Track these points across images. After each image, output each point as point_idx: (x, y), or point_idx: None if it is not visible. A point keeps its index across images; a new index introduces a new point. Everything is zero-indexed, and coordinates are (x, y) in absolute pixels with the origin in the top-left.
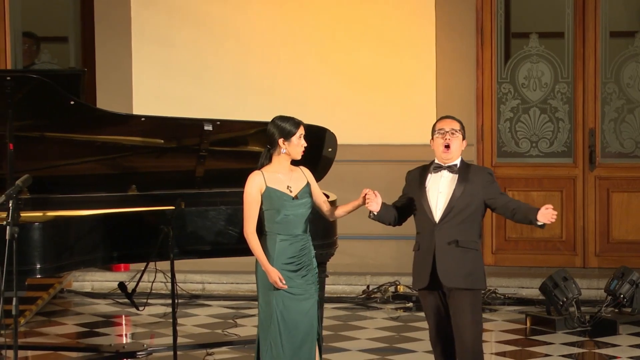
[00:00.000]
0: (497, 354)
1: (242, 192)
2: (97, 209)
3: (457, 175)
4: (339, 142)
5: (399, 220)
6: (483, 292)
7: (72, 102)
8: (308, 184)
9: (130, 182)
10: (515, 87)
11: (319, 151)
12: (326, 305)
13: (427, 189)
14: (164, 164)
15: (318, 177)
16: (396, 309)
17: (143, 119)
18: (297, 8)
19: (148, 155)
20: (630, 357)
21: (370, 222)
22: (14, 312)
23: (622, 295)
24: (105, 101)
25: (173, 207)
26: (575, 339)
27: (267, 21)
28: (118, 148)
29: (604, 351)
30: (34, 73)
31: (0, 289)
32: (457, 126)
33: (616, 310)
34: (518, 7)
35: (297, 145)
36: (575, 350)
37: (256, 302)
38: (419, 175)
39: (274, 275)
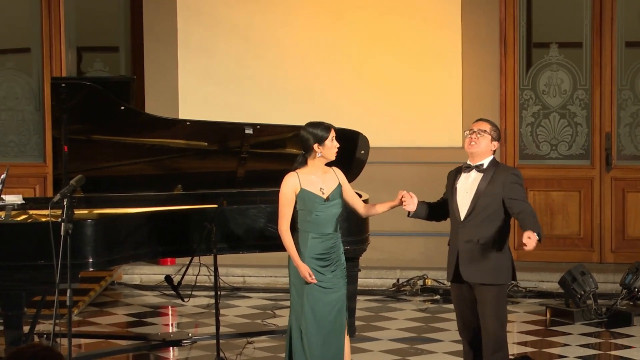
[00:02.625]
0: (519, 343)
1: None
2: (145, 207)
3: (482, 175)
4: (371, 145)
5: (436, 217)
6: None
7: (122, 108)
8: (339, 185)
9: (176, 182)
10: (536, 93)
11: (353, 153)
12: (359, 298)
13: (457, 188)
14: (208, 165)
15: (351, 177)
16: (424, 301)
17: (188, 123)
18: (333, 21)
19: (193, 157)
20: None
21: (400, 220)
22: (68, 303)
23: (636, 289)
24: (153, 106)
25: (216, 206)
26: (592, 329)
27: (305, 33)
28: (165, 150)
29: (619, 341)
30: (87, 80)
31: (55, 281)
32: (485, 127)
33: (631, 302)
34: (539, 18)
35: (331, 147)
36: (592, 340)
37: None
38: (454, 175)
39: (305, 270)
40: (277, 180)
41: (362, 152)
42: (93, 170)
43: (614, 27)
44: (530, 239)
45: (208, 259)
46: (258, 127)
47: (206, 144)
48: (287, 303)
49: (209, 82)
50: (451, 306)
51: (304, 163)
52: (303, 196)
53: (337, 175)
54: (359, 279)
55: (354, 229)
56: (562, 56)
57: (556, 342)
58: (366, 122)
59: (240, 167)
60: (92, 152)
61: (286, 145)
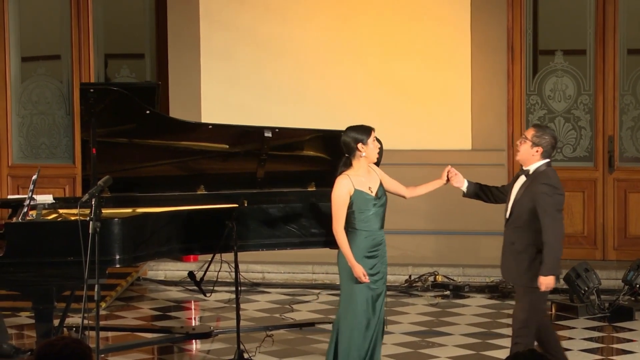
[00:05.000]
0: None
1: (299, 192)
2: (170, 207)
3: (525, 180)
4: (384, 147)
5: (493, 199)
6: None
7: (147, 112)
8: (381, 182)
9: (199, 182)
10: (542, 98)
11: None
12: None
13: (511, 191)
14: (229, 167)
15: None
16: (435, 296)
17: (210, 126)
18: (347, 28)
19: (215, 159)
20: None
21: (413, 219)
22: (96, 298)
23: (637, 285)
24: (177, 110)
25: (237, 205)
26: (595, 324)
27: (320, 39)
28: (188, 152)
29: (621, 335)
30: (114, 86)
31: (84, 276)
32: (528, 134)
33: (632, 298)
34: (545, 26)
35: (373, 147)
36: (596, 334)
37: (311, 290)
38: (516, 177)
39: (359, 271)
40: (295, 181)
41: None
42: (120, 171)
43: (616, 35)
44: (541, 285)
45: (229, 256)
46: (277, 130)
47: (227, 146)
48: (305, 298)
49: (230, 87)
50: (460, 301)
51: (348, 165)
52: (358, 197)
53: (376, 172)
54: None
55: None
56: (567, 63)
57: (561, 335)
58: (380, 125)
59: (260, 168)
60: (119, 154)
61: (304, 148)
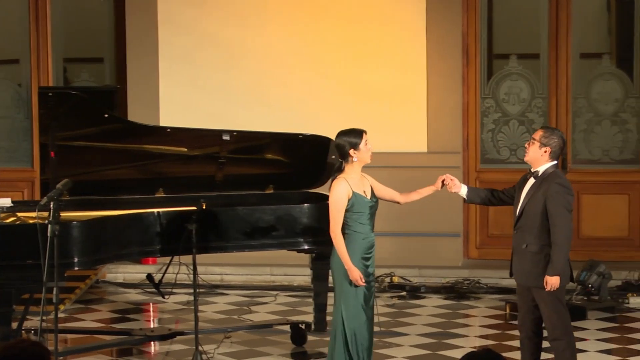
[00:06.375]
0: (481, 336)
1: (257, 195)
2: (129, 210)
3: (534, 182)
4: None
5: (492, 202)
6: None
7: (106, 115)
8: (372, 187)
9: (158, 185)
10: (496, 102)
11: (324, 158)
12: (330, 294)
13: (520, 193)
14: (188, 170)
15: (323, 181)
16: (392, 297)
17: (169, 130)
18: (307, 31)
19: (174, 162)
20: (598, 339)
21: None
22: (54, 300)
23: (590, 285)
24: (135, 114)
25: (195, 208)
26: None
27: (280, 43)
28: (147, 156)
29: (574, 334)
30: (73, 89)
31: (42, 279)
32: (536, 135)
33: (585, 298)
34: (499, 31)
35: (366, 151)
36: None
37: (269, 291)
38: (523, 179)
39: (356, 274)
40: (253, 183)
41: (334, 156)
42: (79, 175)
43: (569, 39)
44: (547, 285)
45: (188, 258)
46: (235, 133)
47: (186, 149)
48: (263, 299)
49: (189, 90)
50: (417, 302)
51: (341, 169)
52: (356, 199)
53: (367, 178)
54: (330, 276)
55: (327, 228)
56: (521, 67)
57: (515, 335)
58: (337, 127)
59: (218, 171)
60: (79, 157)
61: (262, 151)
